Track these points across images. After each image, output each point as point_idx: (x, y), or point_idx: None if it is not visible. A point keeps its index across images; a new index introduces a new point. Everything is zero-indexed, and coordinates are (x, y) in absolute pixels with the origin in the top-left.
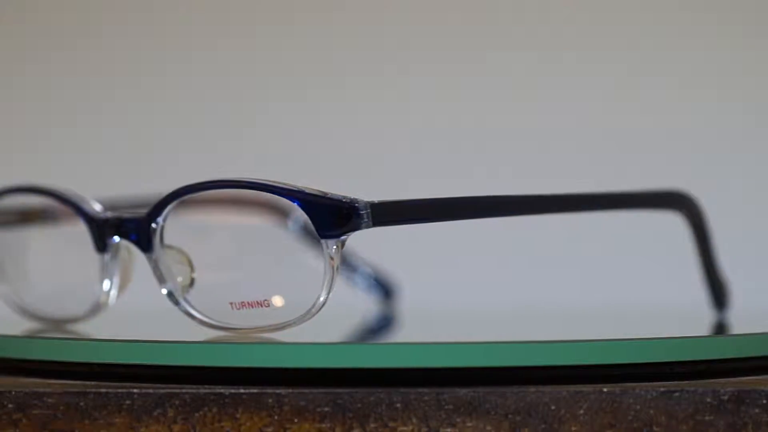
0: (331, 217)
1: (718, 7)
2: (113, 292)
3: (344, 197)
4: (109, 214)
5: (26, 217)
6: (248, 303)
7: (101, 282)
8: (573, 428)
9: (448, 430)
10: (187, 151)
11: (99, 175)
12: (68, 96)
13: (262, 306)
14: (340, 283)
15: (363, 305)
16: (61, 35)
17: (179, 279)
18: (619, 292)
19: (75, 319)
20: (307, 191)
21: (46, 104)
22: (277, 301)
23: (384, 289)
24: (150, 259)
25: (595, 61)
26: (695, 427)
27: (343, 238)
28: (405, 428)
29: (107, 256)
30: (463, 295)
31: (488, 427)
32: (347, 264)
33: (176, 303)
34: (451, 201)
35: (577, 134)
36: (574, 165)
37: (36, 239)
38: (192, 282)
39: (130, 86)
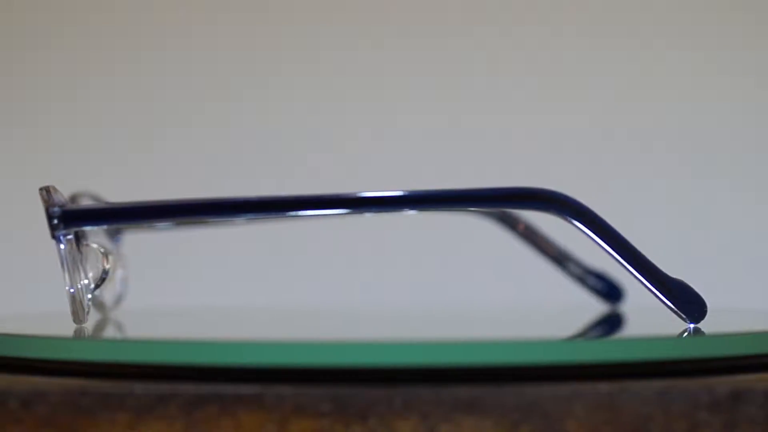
0: (48, 220)
1: (713, 6)
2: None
3: (55, 202)
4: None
5: None
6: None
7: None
8: (571, 426)
9: (448, 427)
10: (187, 151)
11: (99, 175)
12: (68, 96)
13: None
14: (572, 284)
15: (592, 306)
16: (60, 35)
17: (90, 274)
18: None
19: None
20: (51, 196)
21: (45, 104)
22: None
23: (612, 290)
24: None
25: (584, 60)
26: (691, 424)
27: (61, 237)
28: (404, 426)
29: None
30: (463, 294)
31: (487, 425)
32: (572, 266)
33: (79, 299)
34: (143, 205)
35: (573, 134)
36: (567, 165)
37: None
38: (102, 279)
39: (130, 86)
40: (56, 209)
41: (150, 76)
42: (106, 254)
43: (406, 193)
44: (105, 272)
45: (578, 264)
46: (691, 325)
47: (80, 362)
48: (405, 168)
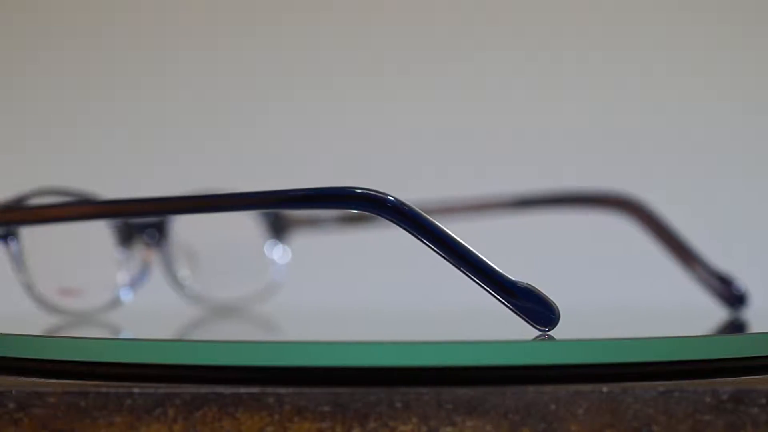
0: None
1: (715, 7)
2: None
3: None
4: None
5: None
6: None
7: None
8: (572, 428)
9: (448, 429)
10: (187, 151)
11: (99, 175)
12: (68, 96)
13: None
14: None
15: (711, 311)
16: (61, 35)
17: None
18: (618, 291)
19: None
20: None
21: (45, 104)
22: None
23: (733, 295)
24: None
25: (592, 61)
26: (694, 426)
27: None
28: (405, 428)
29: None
30: (464, 294)
31: (488, 427)
32: (697, 267)
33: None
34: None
35: (576, 134)
36: (571, 164)
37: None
38: (141, 276)
39: (129, 86)
40: None
41: (149, 77)
42: (149, 252)
43: (204, 196)
44: (146, 267)
45: (704, 265)
46: (546, 332)
47: (79, 363)
48: (404, 168)
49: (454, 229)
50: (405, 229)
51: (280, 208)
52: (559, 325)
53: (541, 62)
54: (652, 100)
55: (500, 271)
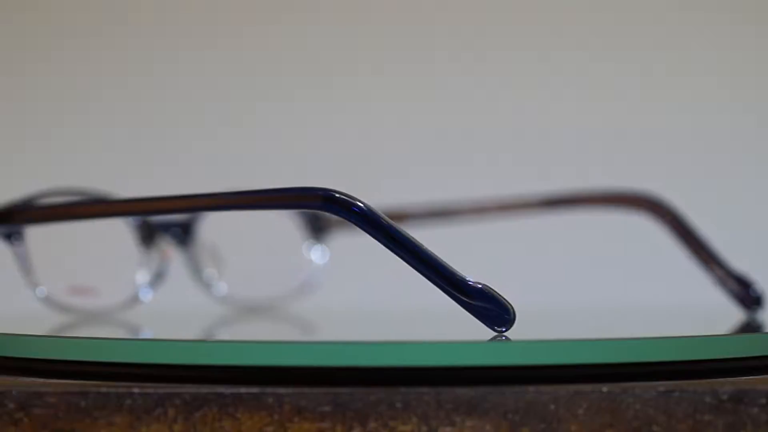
0: None
1: (718, 7)
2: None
3: None
4: None
5: None
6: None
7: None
8: (572, 428)
9: (448, 429)
10: (187, 151)
11: (99, 175)
12: (68, 96)
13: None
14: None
15: (728, 311)
16: (60, 35)
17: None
18: (619, 291)
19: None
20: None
21: (45, 104)
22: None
23: (752, 297)
24: None
25: (598, 60)
26: (694, 426)
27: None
28: (405, 428)
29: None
30: None
31: (487, 427)
32: (716, 267)
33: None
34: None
35: (582, 135)
36: (576, 164)
37: None
38: (158, 276)
39: (128, 86)
40: None
41: (150, 77)
42: (169, 251)
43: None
44: (162, 267)
45: (723, 266)
46: (503, 333)
47: (79, 363)
48: (404, 169)
49: (479, 229)
50: (359, 226)
51: (242, 209)
52: (561, 324)
53: (543, 62)
54: (653, 100)
55: (456, 271)
